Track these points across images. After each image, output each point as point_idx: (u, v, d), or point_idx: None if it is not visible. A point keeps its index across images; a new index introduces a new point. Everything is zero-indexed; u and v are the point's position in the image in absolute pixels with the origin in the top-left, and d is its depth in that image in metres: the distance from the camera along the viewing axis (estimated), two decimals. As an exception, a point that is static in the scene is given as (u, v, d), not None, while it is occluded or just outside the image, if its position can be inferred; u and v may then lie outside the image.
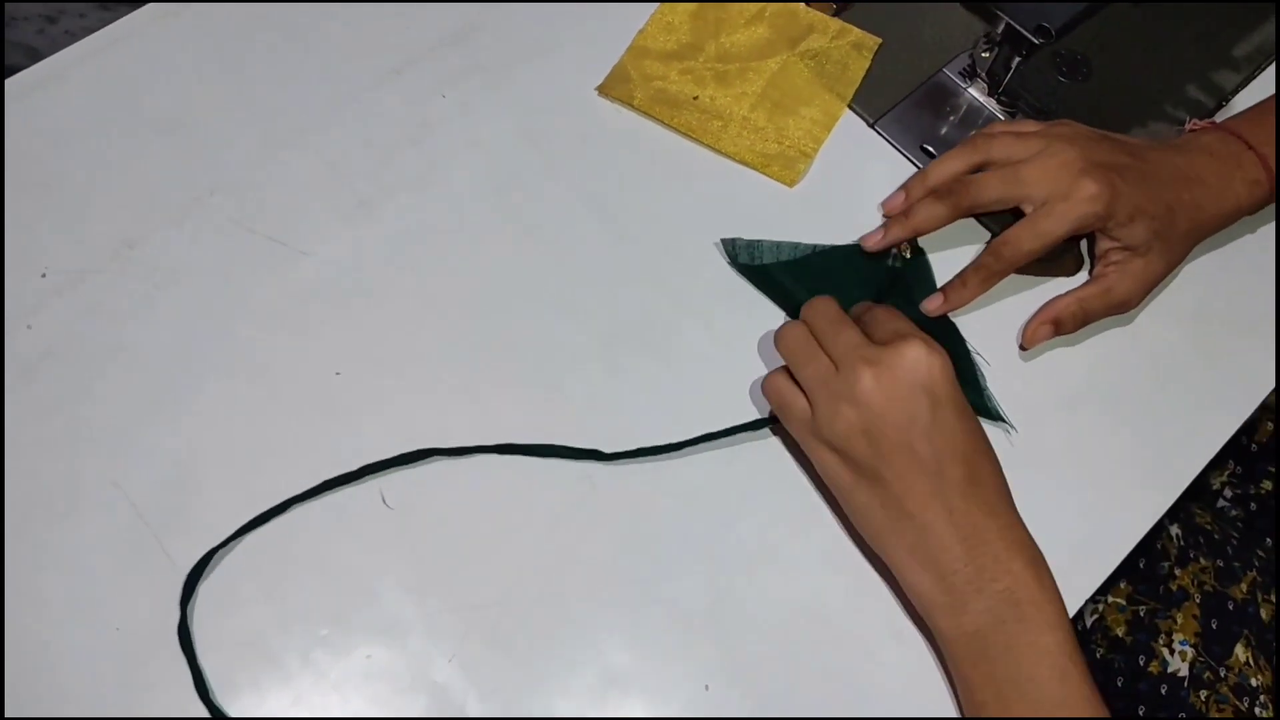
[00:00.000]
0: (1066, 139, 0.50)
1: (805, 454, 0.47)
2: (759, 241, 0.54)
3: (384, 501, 0.48)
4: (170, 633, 0.44)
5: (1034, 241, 0.49)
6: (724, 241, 0.54)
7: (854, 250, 0.54)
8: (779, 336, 0.48)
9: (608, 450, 0.49)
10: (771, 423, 0.50)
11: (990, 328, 0.53)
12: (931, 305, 0.52)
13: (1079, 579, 0.48)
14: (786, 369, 0.48)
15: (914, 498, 0.43)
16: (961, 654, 0.43)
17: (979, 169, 0.52)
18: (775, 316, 0.53)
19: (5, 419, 0.48)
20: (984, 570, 0.42)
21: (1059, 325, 0.52)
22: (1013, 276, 0.54)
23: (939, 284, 0.54)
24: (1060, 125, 0.52)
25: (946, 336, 0.53)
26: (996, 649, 0.41)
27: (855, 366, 0.43)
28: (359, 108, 0.58)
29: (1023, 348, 0.53)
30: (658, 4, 0.61)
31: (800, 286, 0.53)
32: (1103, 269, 0.52)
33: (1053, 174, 0.48)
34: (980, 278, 0.52)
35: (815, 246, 0.54)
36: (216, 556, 0.46)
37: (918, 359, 0.43)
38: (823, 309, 0.47)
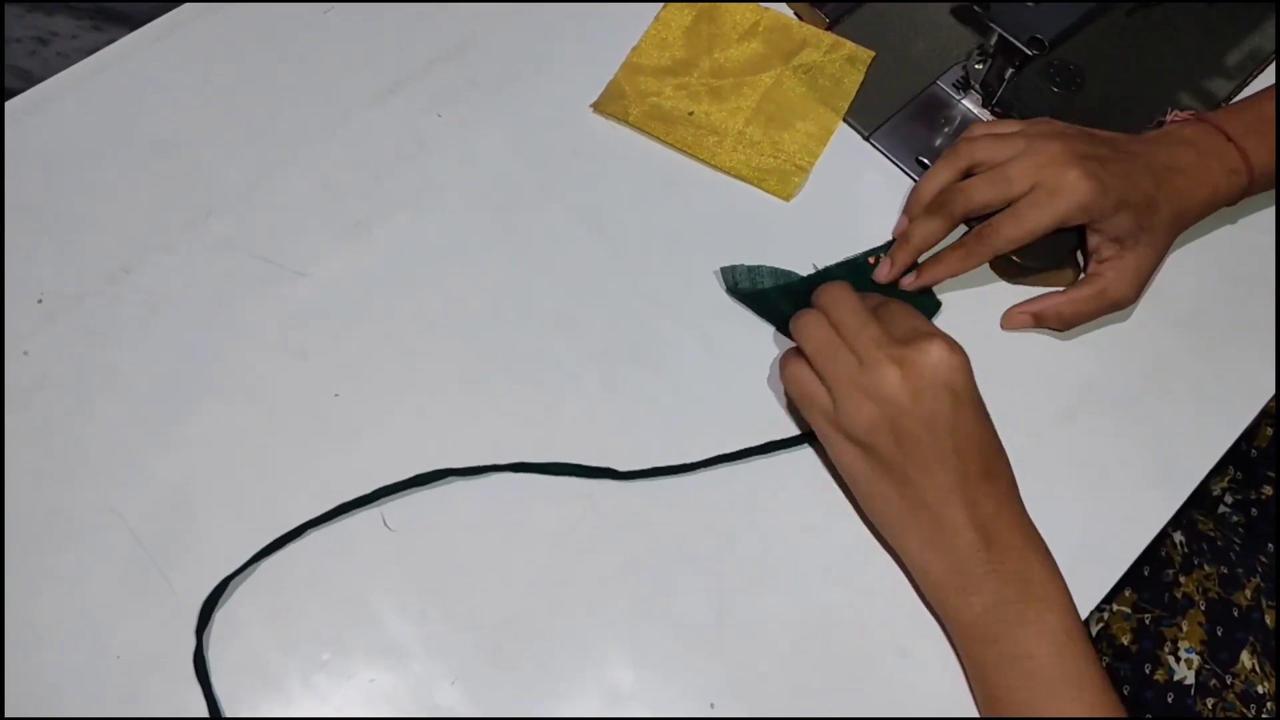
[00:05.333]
0: (1048, 135, 0.50)
1: (822, 443, 0.48)
2: (759, 267, 0.53)
3: (385, 523, 0.47)
4: (170, 660, 0.44)
5: (1017, 228, 0.49)
6: (722, 270, 0.54)
7: (850, 266, 0.54)
8: (799, 326, 0.48)
9: (621, 469, 0.49)
10: (808, 440, 0.50)
11: (993, 339, 0.54)
12: (906, 280, 0.52)
13: (1083, 588, 0.48)
14: (802, 355, 0.48)
15: (933, 490, 0.44)
16: (971, 634, 0.44)
17: (967, 175, 0.52)
18: (772, 332, 0.53)
19: (3, 444, 0.48)
20: (995, 555, 0.44)
21: (1039, 319, 0.53)
22: (1014, 288, 0.54)
23: (938, 296, 0.54)
24: (1039, 123, 0.52)
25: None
26: (1001, 626, 0.43)
27: (881, 364, 0.44)
28: (354, 127, 0.58)
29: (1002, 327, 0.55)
30: (652, 21, 0.62)
31: (800, 309, 0.52)
32: (1097, 267, 0.52)
33: (1039, 169, 0.49)
34: (958, 256, 0.51)
35: (815, 267, 0.54)
36: (222, 582, 0.45)
37: (941, 358, 0.44)
38: (841, 297, 0.48)
